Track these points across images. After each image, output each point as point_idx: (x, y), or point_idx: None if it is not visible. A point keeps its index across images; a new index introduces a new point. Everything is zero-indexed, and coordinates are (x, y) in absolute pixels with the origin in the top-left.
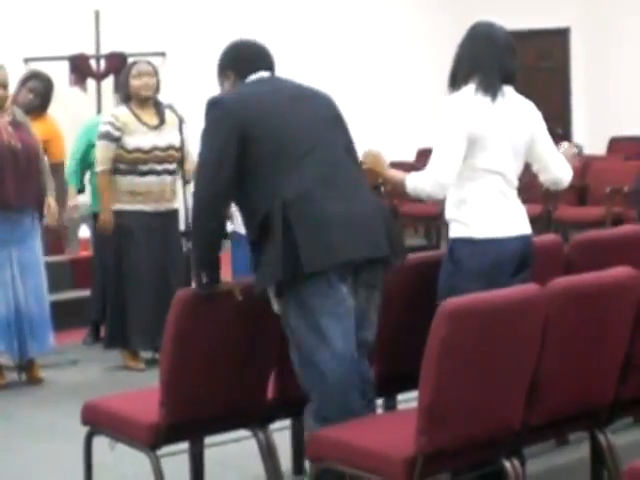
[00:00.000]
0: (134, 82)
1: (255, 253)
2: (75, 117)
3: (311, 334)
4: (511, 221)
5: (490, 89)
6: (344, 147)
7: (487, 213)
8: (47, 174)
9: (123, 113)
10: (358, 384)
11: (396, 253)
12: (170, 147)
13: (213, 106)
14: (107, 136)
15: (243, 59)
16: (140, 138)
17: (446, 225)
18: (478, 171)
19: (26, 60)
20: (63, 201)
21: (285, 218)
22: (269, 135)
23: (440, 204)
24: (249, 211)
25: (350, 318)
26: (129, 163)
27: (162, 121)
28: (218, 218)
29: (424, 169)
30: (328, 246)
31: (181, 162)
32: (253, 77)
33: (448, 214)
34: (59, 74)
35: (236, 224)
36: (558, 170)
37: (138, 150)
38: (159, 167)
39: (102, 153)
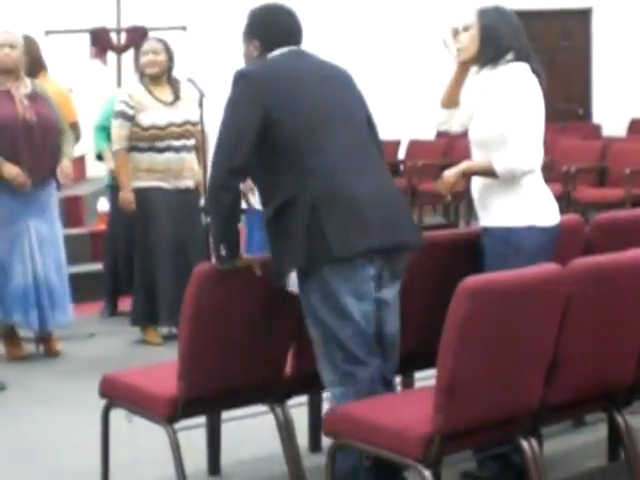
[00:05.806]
0: (142, 59)
1: (273, 234)
2: (95, 90)
3: (332, 314)
4: (555, 206)
5: (536, 67)
6: (366, 127)
7: (544, 199)
8: (68, 142)
9: (137, 91)
10: (379, 364)
11: (418, 237)
12: (186, 122)
13: (240, 80)
14: (121, 115)
15: (273, 31)
16: (155, 114)
17: (470, 206)
18: None
19: (47, 33)
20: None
21: (312, 201)
22: (293, 116)
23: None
24: (270, 191)
25: (370, 301)
26: (146, 140)
27: (177, 97)
28: (233, 191)
29: (510, 149)
30: (359, 231)
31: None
32: (280, 50)
33: (490, 200)
34: (80, 47)
35: (253, 200)
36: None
37: (154, 127)
38: (177, 143)
39: (117, 132)
